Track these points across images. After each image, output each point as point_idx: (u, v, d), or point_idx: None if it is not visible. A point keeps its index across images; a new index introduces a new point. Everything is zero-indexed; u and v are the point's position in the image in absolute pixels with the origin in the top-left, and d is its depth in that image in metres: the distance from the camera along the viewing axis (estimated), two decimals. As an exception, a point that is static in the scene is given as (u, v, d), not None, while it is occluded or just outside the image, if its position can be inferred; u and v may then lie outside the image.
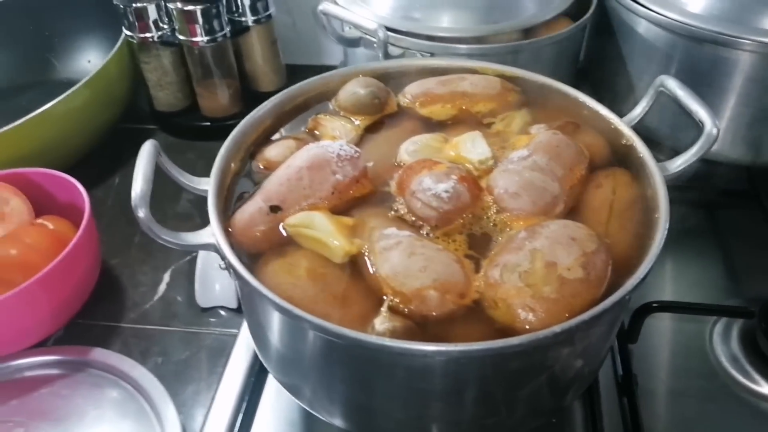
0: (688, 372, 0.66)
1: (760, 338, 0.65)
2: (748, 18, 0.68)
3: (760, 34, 0.67)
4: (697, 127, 0.56)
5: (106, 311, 0.77)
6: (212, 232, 0.50)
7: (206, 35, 0.93)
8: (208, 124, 1.02)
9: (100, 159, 0.97)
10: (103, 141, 0.98)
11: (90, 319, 0.76)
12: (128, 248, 0.85)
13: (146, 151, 0.53)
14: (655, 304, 0.66)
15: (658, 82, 0.60)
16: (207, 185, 0.55)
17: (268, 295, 0.44)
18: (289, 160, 0.56)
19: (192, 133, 1.03)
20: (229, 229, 0.52)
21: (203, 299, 0.76)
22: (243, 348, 0.70)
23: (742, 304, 0.71)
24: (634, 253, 0.50)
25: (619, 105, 0.82)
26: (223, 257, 0.48)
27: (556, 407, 0.55)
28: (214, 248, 0.50)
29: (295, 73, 1.15)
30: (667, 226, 0.49)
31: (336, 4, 0.81)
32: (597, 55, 0.87)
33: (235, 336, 0.72)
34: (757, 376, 0.64)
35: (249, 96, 1.04)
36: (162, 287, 0.80)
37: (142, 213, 0.48)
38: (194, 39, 0.93)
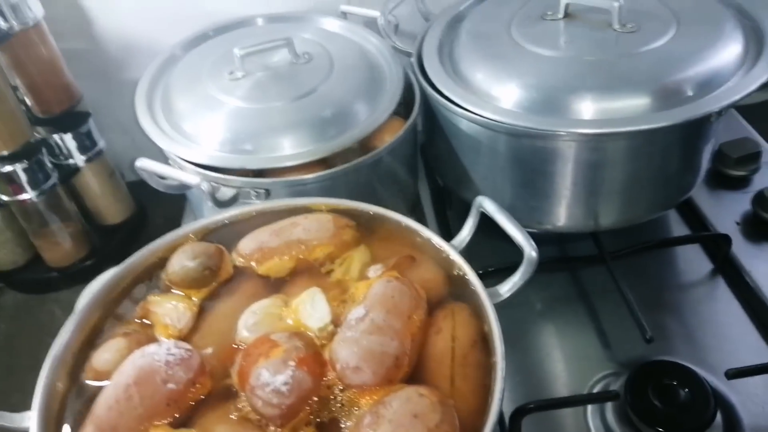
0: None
1: (630, 415, 0.67)
2: (560, 108, 0.70)
3: (571, 125, 0.68)
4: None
5: None
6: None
7: (33, 190, 0.87)
8: (56, 274, 0.95)
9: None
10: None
11: None
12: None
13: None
14: (530, 406, 0.67)
15: (477, 204, 0.61)
16: (29, 421, 0.50)
17: None
18: (114, 377, 0.52)
19: (42, 286, 0.96)
20: (60, 476, 0.48)
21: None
22: None
23: (616, 370, 0.73)
24: (482, 406, 0.49)
25: (463, 191, 0.84)
26: None
27: None
28: None
29: (148, 189, 1.11)
30: (504, 374, 0.49)
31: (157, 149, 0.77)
32: (433, 147, 0.88)
33: None
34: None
35: (97, 232, 0.99)
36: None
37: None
38: (20, 197, 0.86)
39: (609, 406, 0.70)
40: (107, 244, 0.99)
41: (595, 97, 0.70)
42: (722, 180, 0.96)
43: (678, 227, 0.91)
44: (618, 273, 0.79)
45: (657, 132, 0.68)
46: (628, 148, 0.71)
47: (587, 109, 0.70)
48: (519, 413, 0.67)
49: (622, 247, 0.84)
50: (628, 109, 0.69)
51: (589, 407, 0.71)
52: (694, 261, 0.85)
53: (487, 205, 0.60)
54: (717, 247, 0.85)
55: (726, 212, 0.91)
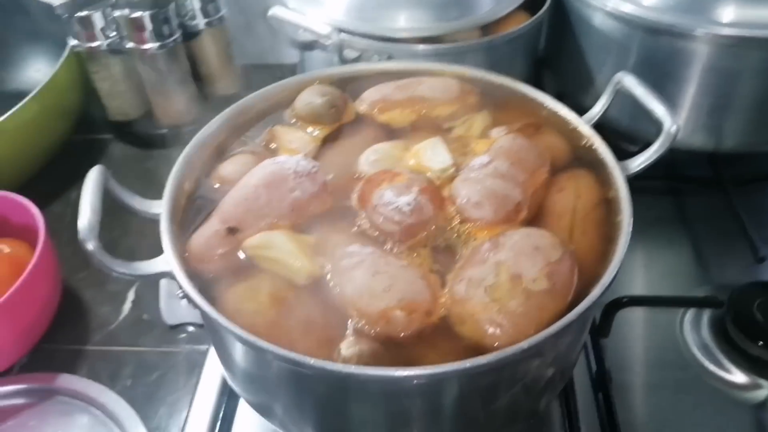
0: (661, 363, 0.67)
1: (729, 327, 0.65)
2: (703, 8, 0.68)
3: (714, 25, 0.66)
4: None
5: (70, 334, 0.75)
6: (167, 260, 0.48)
7: (156, 41, 0.90)
8: (165, 131, 0.99)
9: (56, 173, 0.94)
10: (58, 154, 0.95)
11: (55, 343, 0.73)
12: (90, 265, 0.82)
13: (92, 179, 0.50)
14: (625, 299, 0.66)
15: (617, 80, 0.59)
16: (159, 208, 0.53)
17: (229, 326, 0.43)
18: (244, 179, 0.54)
19: (149, 141, 1.00)
20: (186, 255, 0.51)
21: (170, 316, 0.74)
22: (214, 365, 0.68)
23: (711, 292, 0.72)
24: (599, 258, 0.49)
25: (581, 97, 0.83)
26: (180, 286, 0.47)
27: (531, 413, 0.55)
28: (171, 276, 0.48)
29: (252, 73, 1.13)
30: (630, 230, 0.49)
31: (287, 7, 0.78)
32: (556, 48, 0.87)
33: (205, 353, 0.71)
34: (728, 365, 0.65)
35: (206, 100, 1.02)
36: (127, 306, 0.78)
37: (91, 246, 0.46)
38: (144, 46, 0.90)
39: (705, 320, 0.69)
40: (217, 112, 1.01)
41: (742, 2, 0.67)
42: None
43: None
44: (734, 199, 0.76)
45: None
46: (770, 61, 0.68)
47: (731, 14, 0.67)
48: (613, 306, 0.66)
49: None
50: (777, 20, 0.66)
51: (686, 318, 0.69)
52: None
53: (627, 80, 0.58)
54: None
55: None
